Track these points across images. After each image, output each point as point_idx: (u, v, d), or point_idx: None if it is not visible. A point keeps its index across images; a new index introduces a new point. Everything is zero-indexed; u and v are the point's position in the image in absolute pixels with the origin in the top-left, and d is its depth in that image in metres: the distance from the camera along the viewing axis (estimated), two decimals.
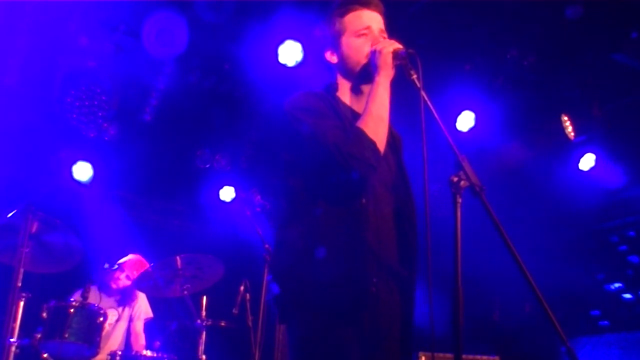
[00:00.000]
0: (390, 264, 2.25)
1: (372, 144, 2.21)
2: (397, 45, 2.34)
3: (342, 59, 2.46)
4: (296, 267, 2.19)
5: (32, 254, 4.35)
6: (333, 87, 2.48)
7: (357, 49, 2.43)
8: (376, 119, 2.26)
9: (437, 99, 2.41)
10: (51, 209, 4.68)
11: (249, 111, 6.33)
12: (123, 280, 5.42)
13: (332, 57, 2.49)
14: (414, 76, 2.28)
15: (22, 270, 4.11)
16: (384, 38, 2.46)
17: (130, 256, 5.49)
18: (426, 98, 2.24)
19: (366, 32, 2.43)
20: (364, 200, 2.22)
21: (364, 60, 2.41)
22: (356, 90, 2.48)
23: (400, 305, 2.27)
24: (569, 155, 6.42)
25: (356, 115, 2.39)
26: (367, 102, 2.31)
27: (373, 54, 2.36)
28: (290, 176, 2.32)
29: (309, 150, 2.25)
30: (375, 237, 2.22)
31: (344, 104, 2.44)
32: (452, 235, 2.03)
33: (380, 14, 2.50)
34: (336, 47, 2.47)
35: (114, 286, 5.43)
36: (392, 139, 2.45)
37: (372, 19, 2.47)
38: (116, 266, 5.36)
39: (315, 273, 2.14)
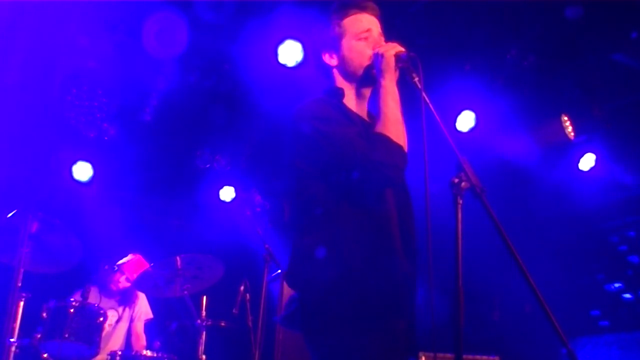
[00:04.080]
0: (400, 263, 2.27)
1: (400, 148, 2.24)
2: (399, 48, 2.36)
3: (343, 61, 2.48)
4: (319, 276, 2.17)
5: (32, 254, 4.36)
6: (339, 93, 2.47)
7: (359, 51, 2.44)
8: (395, 122, 2.28)
9: (437, 99, 2.41)
10: (51, 209, 4.68)
11: (249, 111, 6.33)
12: (123, 282, 5.43)
13: (331, 60, 2.50)
14: (416, 79, 2.30)
15: (22, 270, 4.11)
16: (383, 42, 2.48)
17: (129, 257, 5.49)
18: (427, 100, 2.25)
19: (367, 35, 2.45)
20: (384, 204, 2.25)
21: (366, 62, 2.43)
22: (357, 94, 2.49)
23: (408, 305, 2.29)
24: (569, 155, 6.42)
25: (362, 119, 2.40)
26: (380, 108, 2.31)
27: (376, 58, 2.38)
28: (308, 185, 2.30)
29: (332, 160, 2.23)
30: (386, 238, 2.24)
31: (349, 109, 2.44)
32: (453, 236, 2.03)
33: (377, 18, 2.52)
34: (336, 49, 2.48)
35: (113, 288, 5.43)
36: None
37: (371, 23, 2.49)
38: (115, 267, 5.36)
39: (330, 276, 2.14)
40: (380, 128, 2.27)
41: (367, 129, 2.34)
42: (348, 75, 2.48)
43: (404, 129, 2.31)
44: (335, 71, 2.51)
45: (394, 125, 2.27)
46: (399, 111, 2.31)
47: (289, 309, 2.26)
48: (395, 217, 2.30)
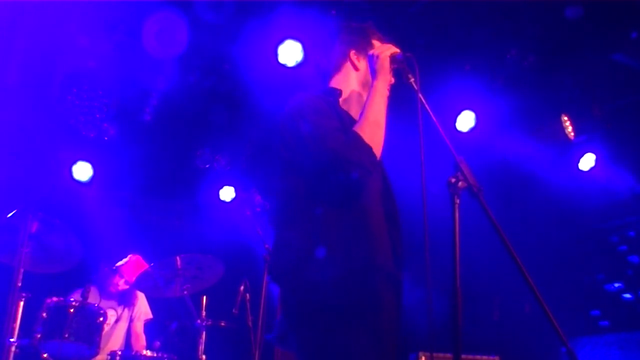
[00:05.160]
0: (387, 263, 2.27)
1: (369, 148, 2.23)
2: (394, 49, 2.39)
3: (366, 70, 2.53)
4: (299, 269, 2.17)
5: (32, 254, 4.36)
6: (336, 93, 2.52)
7: None
8: (372, 124, 2.29)
9: (437, 99, 2.43)
10: (51, 209, 4.68)
11: (249, 111, 6.33)
12: (122, 285, 5.42)
13: (357, 62, 2.57)
14: (412, 79, 2.31)
15: (22, 270, 4.11)
16: None
17: (128, 258, 5.48)
18: (424, 101, 2.25)
19: None
20: (363, 202, 2.24)
21: None
22: (359, 101, 2.53)
23: (396, 303, 2.28)
24: (569, 155, 6.41)
25: (353, 122, 2.42)
26: (364, 107, 2.35)
27: (371, 58, 2.43)
28: (289, 176, 2.33)
29: (308, 151, 2.25)
30: (374, 237, 2.24)
31: (342, 109, 2.48)
32: (450, 236, 2.03)
33: None
34: (366, 56, 2.55)
35: (112, 290, 5.43)
36: None
37: None
38: (114, 268, 5.35)
39: (319, 275, 2.13)
40: (356, 127, 2.29)
41: None
42: (364, 82, 2.55)
43: (382, 132, 2.31)
44: (351, 72, 2.57)
45: (370, 127, 2.28)
46: (382, 114, 2.33)
47: (282, 328, 2.26)
48: (380, 217, 2.30)
